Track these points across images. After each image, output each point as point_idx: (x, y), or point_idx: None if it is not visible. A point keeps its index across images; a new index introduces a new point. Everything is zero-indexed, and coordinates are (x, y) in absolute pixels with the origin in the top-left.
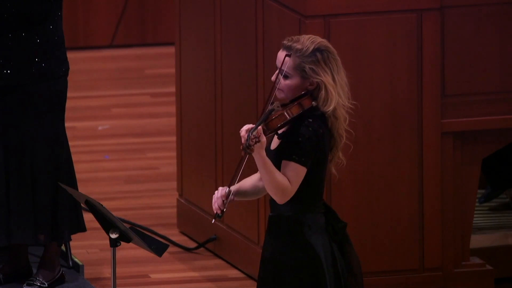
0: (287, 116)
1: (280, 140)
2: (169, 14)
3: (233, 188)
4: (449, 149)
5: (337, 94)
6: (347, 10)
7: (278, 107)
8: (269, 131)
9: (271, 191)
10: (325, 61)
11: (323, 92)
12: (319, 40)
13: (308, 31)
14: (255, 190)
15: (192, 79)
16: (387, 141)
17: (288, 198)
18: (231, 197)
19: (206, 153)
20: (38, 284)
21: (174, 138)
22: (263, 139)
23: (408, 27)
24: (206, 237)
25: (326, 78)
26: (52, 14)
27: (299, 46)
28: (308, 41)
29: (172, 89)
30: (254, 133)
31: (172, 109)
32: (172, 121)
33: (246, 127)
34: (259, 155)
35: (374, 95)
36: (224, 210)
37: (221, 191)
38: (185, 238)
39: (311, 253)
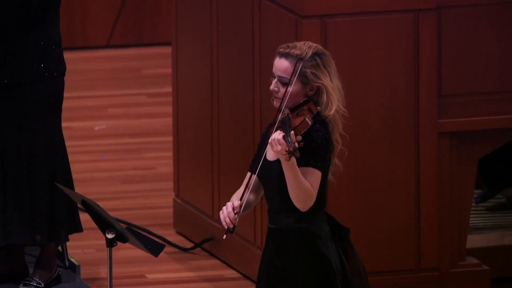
0: (309, 121)
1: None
2: (165, 14)
3: (243, 201)
4: (446, 149)
5: (336, 98)
6: (344, 10)
7: (289, 113)
8: (297, 136)
9: (297, 197)
10: (324, 64)
11: (324, 96)
12: (315, 45)
13: (305, 31)
14: (257, 197)
15: (188, 79)
16: (383, 141)
17: (310, 205)
18: (240, 211)
19: (203, 153)
20: (35, 284)
21: (170, 138)
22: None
23: (404, 27)
24: (203, 237)
25: (327, 82)
26: (50, 15)
27: (298, 52)
28: (305, 46)
29: (169, 89)
30: (291, 137)
31: (169, 109)
32: (169, 121)
33: (279, 134)
34: (292, 162)
35: (371, 95)
36: (236, 224)
37: (230, 206)
38: (182, 238)
39: (326, 264)
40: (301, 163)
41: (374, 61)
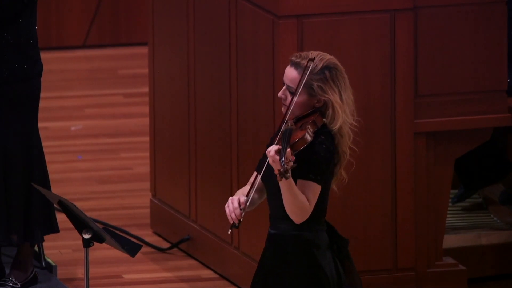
0: (309, 137)
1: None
2: (142, 14)
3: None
4: (422, 149)
5: (343, 112)
6: (320, 10)
7: (292, 125)
8: (294, 153)
9: (292, 211)
10: (333, 79)
11: (330, 110)
12: (328, 57)
13: (281, 31)
14: (260, 196)
15: (165, 79)
16: (360, 141)
17: (306, 219)
18: (246, 206)
19: (179, 153)
20: (11, 284)
21: (147, 139)
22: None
23: (381, 27)
24: (179, 238)
25: (334, 97)
26: (26, 14)
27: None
28: (317, 58)
29: (145, 89)
30: (286, 155)
31: (145, 109)
32: (145, 121)
33: (275, 147)
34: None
35: None
36: (241, 220)
37: (236, 200)
38: (158, 238)
39: (321, 274)
40: (300, 175)
41: (351, 61)
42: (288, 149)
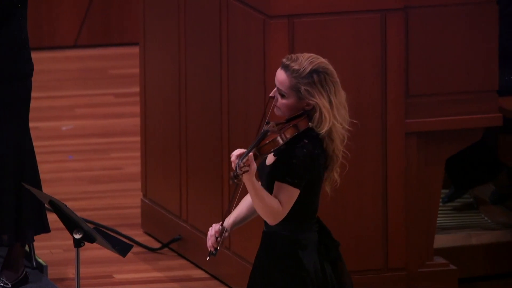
0: (280, 141)
1: (275, 157)
2: (133, 14)
3: (227, 222)
4: (413, 149)
5: (332, 117)
6: (312, 10)
7: (273, 127)
8: (261, 156)
9: (262, 214)
10: (322, 83)
11: (317, 114)
12: (318, 60)
13: (273, 31)
14: (253, 210)
15: (156, 79)
16: (351, 141)
17: (279, 221)
18: (225, 234)
19: (170, 153)
20: (2, 284)
21: (138, 138)
22: (253, 166)
23: (372, 27)
24: (170, 237)
25: (321, 101)
26: (17, 14)
27: (296, 67)
28: (306, 61)
29: (136, 89)
30: (243, 160)
31: (136, 109)
32: (136, 121)
33: (237, 152)
34: (249, 182)
35: None
36: (218, 248)
37: (213, 228)
38: (149, 238)
39: (304, 275)
40: (277, 177)
41: (342, 61)
42: (251, 154)
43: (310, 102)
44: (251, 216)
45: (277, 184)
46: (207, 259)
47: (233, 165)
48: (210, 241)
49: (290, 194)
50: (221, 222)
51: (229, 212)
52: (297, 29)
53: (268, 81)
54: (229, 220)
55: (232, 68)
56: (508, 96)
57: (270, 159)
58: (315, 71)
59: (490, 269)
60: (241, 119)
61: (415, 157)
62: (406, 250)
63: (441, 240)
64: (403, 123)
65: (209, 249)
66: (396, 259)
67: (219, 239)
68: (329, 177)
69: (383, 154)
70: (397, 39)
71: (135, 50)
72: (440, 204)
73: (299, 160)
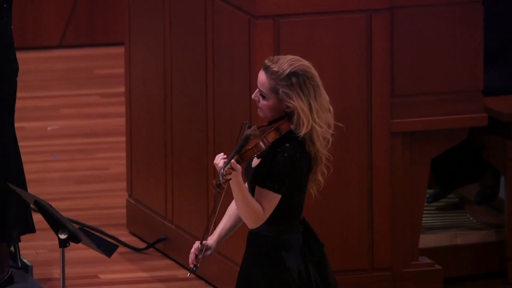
0: (263, 145)
1: (259, 160)
2: (118, 14)
3: (212, 239)
4: (398, 149)
5: (311, 120)
6: (297, 10)
7: (255, 131)
8: (244, 162)
9: (243, 216)
10: (301, 86)
11: (295, 117)
12: (298, 63)
13: (258, 32)
14: (238, 219)
15: (141, 79)
16: (336, 141)
17: (259, 225)
18: (207, 252)
19: (156, 153)
20: None
21: (123, 139)
22: (238, 168)
23: (357, 27)
24: (156, 238)
25: (299, 104)
26: (2, 14)
27: (275, 69)
28: (286, 63)
29: (122, 89)
30: (226, 168)
31: (122, 109)
32: (122, 121)
33: (221, 157)
34: (236, 185)
35: None
36: (198, 265)
37: (195, 245)
38: (135, 238)
39: (287, 276)
40: (258, 182)
41: (327, 61)
42: (233, 161)
43: (289, 104)
44: (237, 226)
45: (257, 189)
46: (188, 275)
47: (217, 169)
48: (190, 258)
49: (271, 199)
50: (201, 240)
51: (208, 230)
52: (282, 29)
53: (253, 82)
54: (213, 237)
55: (218, 68)
56: (493, 96)
57: (255, 161)
58: (294, 73)
59: (476, 269)
60: (226, 119)
61: (400, 157)
62: (392, 250)
63: (427, 240)
64: (388, 123)
65: (190, 265)
66: (382, 259)
67: (199, 256)
68: (313, 178)
69: (369, 154)
70: (382, 39)
71: (121, 50)
72: (425, 204)
73: (280, 164)
